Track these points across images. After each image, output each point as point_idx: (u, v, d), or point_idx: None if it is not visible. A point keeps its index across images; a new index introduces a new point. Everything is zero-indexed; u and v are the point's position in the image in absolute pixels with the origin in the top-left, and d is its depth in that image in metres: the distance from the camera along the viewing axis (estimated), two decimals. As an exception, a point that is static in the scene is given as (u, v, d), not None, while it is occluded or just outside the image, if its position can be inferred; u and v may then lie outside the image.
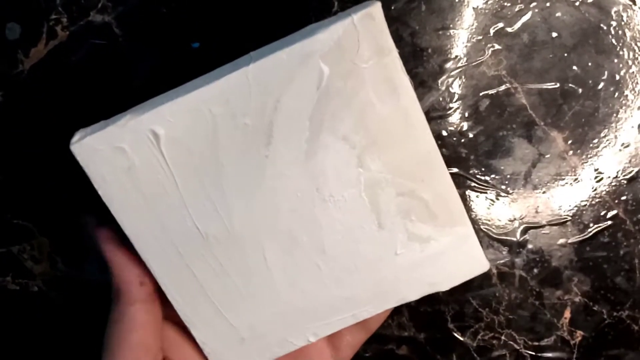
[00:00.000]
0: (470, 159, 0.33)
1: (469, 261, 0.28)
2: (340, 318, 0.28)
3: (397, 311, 0.35)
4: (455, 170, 0.33)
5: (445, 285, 0.28)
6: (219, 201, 0.26)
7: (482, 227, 0.34)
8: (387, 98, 0.25)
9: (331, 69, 0.24)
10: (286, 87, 0.24)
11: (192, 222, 0.26)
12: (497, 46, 0.32)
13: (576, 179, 0.33)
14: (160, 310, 0.28)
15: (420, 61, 0.32)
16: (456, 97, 0.33)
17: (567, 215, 0.34)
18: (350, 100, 0.25)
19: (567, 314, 0.34)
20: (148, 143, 0.25)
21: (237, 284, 0.27)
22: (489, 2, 0.32)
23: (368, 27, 0.24)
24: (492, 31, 0.32)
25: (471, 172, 0.33)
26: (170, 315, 0.28)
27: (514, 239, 0.34)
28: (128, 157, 0.25)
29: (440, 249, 0.27)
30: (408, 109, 0.25)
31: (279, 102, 0.24)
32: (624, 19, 0.32)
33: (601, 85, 0.32)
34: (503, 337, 0.35)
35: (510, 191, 0.34)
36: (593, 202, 0.33)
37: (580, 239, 0.34)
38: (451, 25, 0.32)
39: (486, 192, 0.34)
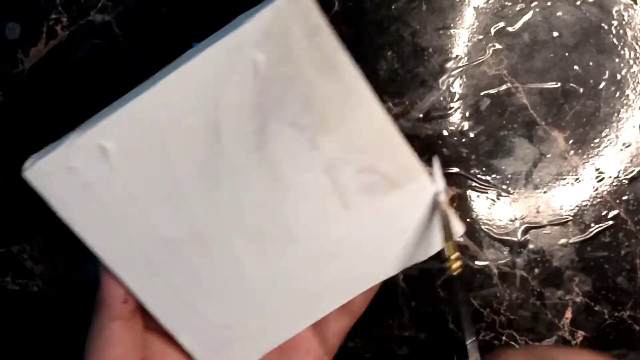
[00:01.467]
0: (471, 158, 0.33)
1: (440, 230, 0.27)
2: (326, 303, 0.28)
3: (397, 311, 0.35)
4: (456, 170, 0.33)
5: (422, 256, 0.27)
6: (179, 205, 0.25)
7: (482, 227, 0.34)
8: (328, 77, 0.24)
9: (267, 56, 0.24)
10: (224, 82, 0.24)
11: (158, 230, 0.26)
12: (498, 46, 0.32)
13: (577, 179, 0.33)
14: (141, 327, 0.28)
15: (421, 61, 0.32)
16: (457, 96, 0.33)
17: (568, 215, 0.34)
18: (292, 84, 0.24)
19: (568, 314, 0.34)
20: (98, 159, 0.24)
21: (214, 285, 0.27)
22: (490, 2, 0.32)
23: (295, 9, 0.23)
24: (493, 30, 0.32)
25: (472, 172, 0.33)
26: (153, 326, 0.28)
27: (515, 239, 0.34)
28: (81, 176, 0.24)
29: (412, 220, 0.27)
30: (350, 85, 0.25)
31: (220, 98, 0.24)
32: (625, 18, 0.32)
33: (602, 84, 0.32)
34: (504, 338, 0.35)
35: (511, 191, 0.34)
36: (594, 202, 0.33)
37: (582, 239, 0.34)
38: (452, 25, 0.32)
39: (487, 192, 0.34)
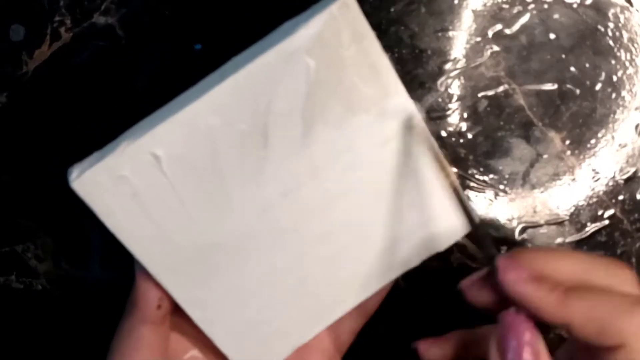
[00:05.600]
0: (469, 159, 0.34)
1: (460, 218, 0.28)
2: (347, 300, 0.29)
3: (397, 310, 0.35)
4: (454, 170, 0.34)
5: (441, 246, 0.28)
6: (226, 210, 0.26)
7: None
8: (370, 80, 0.25)
9: (317, 61, 0.24)
10: (276, 87, 0.24)
11: (204, 236, 0.26)
12: (495, 48, 0.32)
13: (574, 179, 0.34)
14: (168, 331, 0.28)
15: (420, 62, 0.33)
16: (455, 98, 0.33)
17: (565, 214, 0.34)
18: (337, 88, 0.25)
19: (565, 312, 0.35)
20: (150, 166, 0.24)
21: (249, 287, 0.27)
22: (488, 4, 0.32)
23: (345, 16, 0.24)
24: (490, 33, 0.32)
25: (470, 172, 0.34)
26: (177, 323, 0.29)
27: (513, 239, 0.34)
28: (131, 184, 0.24)
29: (434, 212, 0.28)
30: (391, 88, 0.26)
31: (270, 103, 0.25)
32: (621, 20, 0.32)
33: (598, 86, 0.33)
34: (501, 335, 0.35)
35: (509, 191, 0.34)
36: (590, 202, 0.34)
37: (578, 238, 0.34)
38: (450, 27, 0.32)
39: (485, 192, 0.34)
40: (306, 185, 0.26)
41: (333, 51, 0.24)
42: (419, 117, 0.27)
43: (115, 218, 0.25)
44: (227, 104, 0.24)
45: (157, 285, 0.27)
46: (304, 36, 0.24)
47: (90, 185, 0.24)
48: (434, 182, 0.28)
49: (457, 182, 0.27)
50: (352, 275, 0.28)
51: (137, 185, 0.25)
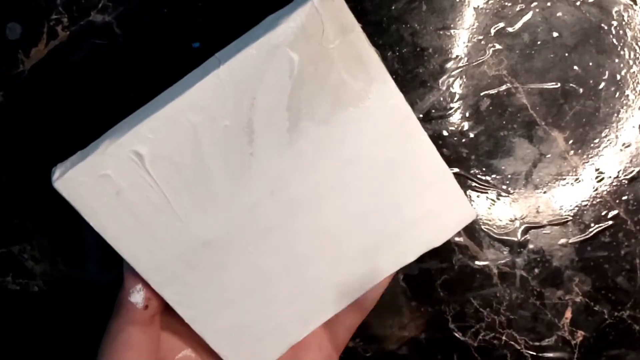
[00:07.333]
0: (471, 159, 0.33)
1: (456, 212, 0.28)
2: (342, 297, 0.28)
3: (397, 311, 0.35)
4: (456, 170, 0.33)
5: (438, 241, 0.28)
6: (213, 207, 0.26)
7: (482, 227, 0.34)
8: (358, 73, 0.25)
9: (300, 55, 0.24)
10: (259, 82, 0.24)
11: (191, 234, 0.26)
12: (497, 46, 0.32)
13: (577, 179, 0.33)
14: (158, 332, 0.28)
15: (421, 61, 0.32)
16: (457, 97, 0.33)
17: (568, 215, 0.34)
18: (323, 82, 0.25)
19: (568, 314, 0.34)
20: (132, 165, 0.24)
21: (240, 284, 0.27)
22: (490, 2, 0.32)
23: (329, 8, 0.24)
24: (492, 31, 0.32)
25: (472, 172, 0.33)
26: (168, 325, 0.28)
27: (515, 239, 0.34)
28: (114, 183, 0.24)
29: (429, 207, 0.28)
30: (379, 81, 0.25)
31: (254, 99, 0.24)
32: (625, 18, 0.32)
33: (602, 85, 0.32)
34: (504, 337, 0.35)
35: (511, 191, 0.34)
36: (594, 202, 0.33)
37: (581, 238, 0.34)
38: (452, 25, 0.32)
39: (487, 192, 0.34)
40: (294, 181, 0.26)
41: (317, 45, 0.24)
42: (408, 109, 0.26)
43: (99, 217, 0.25)
44: (209, 100, 0.24)
45: (145, 284, 0.26)
46: (286, 30, 0.24)
47: (73, 185, 0.24)
48: (428, 176, 0.27)
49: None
50: (346, 272, 0.28)
51: (120, 184, 0.25)
